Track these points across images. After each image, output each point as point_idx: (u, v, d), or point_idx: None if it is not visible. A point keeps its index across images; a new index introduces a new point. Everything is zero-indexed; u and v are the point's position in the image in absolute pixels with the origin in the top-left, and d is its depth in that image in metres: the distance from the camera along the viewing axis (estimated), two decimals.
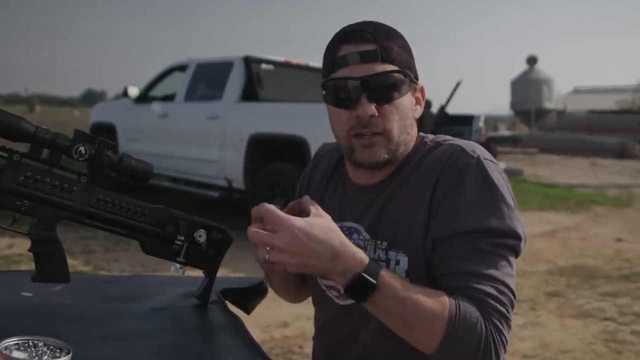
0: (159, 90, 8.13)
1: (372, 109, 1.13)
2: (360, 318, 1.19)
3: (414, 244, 1.14)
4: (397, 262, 1.15)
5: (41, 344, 0.96)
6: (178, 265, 1.27)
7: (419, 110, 1.22)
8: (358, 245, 1.09)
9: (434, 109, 8.28)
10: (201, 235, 1.27)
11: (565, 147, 19.17)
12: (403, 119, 1.17)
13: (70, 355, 0.93)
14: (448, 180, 1.12)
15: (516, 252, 1.11)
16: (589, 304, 4.68)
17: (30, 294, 1.28)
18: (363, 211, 1.23)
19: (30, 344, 0.95)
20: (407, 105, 1.17)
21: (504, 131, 26.65)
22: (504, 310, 1.05)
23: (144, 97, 8.04)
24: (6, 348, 0.92)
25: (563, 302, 4.71)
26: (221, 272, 1.32)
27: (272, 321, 3.84)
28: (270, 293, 1.49)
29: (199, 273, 1.33)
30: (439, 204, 1.11)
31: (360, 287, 0.99)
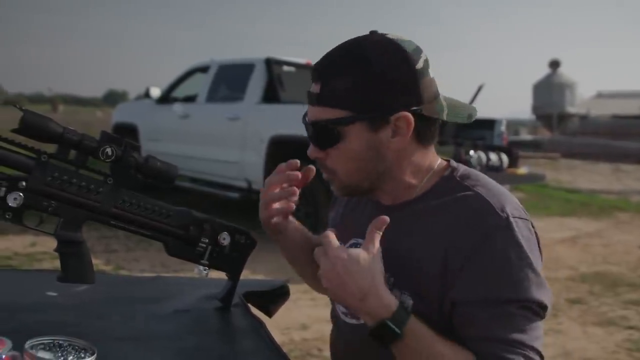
0: (181, 91, 8.19)
1: (315, 152, 1.14)
2: (366, 342, 1.12)
3: (422, 291, 1.09)
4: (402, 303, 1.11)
5: (66, 344, 0.96)
6: (202, 267, 1.27)
7: (398, 141, 1.10)
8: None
9: None
10: (225, 238, 1.27)
11: (588, 152, 18.95)
12: (352, 161, 1.11)
13: (94, 356, 0.94)
14: (471, 240, 1.05)
15: (542, 317, 1.07)
16: (612, 311, 4.61)
17: (55, 294, 1.29)
18: None
19: (56, 344, 0.96)
20: (355, 149, 1.09)
21: (525, 135, 26.38)
22: None
23: (166, 98, 8.10)
24: (32, 347, 0.92)
25: (585, 310, 4.64)
26: (242, 274, 1.32)
27: (291, 323, 3.84)
28: (290, 295, 1.49)
29: (221, 275, 1.33)
30: (461, 265, 1.05)
31: (384, 334, 0.99)
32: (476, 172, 1.17)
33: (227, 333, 1.10)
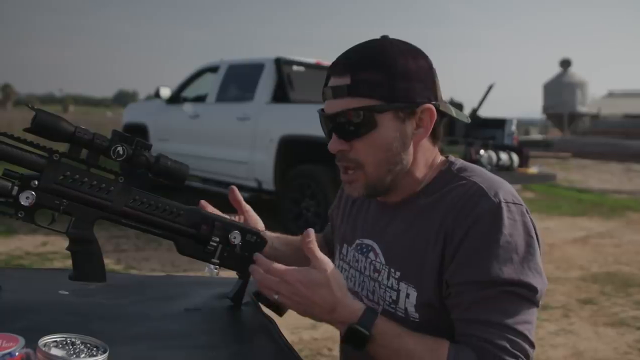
0: (191, 91, 8.21)
1: (339, 144, 1.16)
2: None
3: (425, 282, 1.13)
4: (407, 296, 1.15)
5: (79, 342, 0.96)
6: (212, 266, 1.27)
7: (422, 133, 1.16)
8: (373, 267, 1.20)
9: (466, 112, 8.21)
10: (236, 237, 1.27)
11: (599, 151, 18.83)
12: (382, 151, 1.14)
13: (107, 354, 0.94)
14: (463, 226, 1.08)
15: (533, 302, 1.07)
16: (624, 312, 4.58)
17: (66, 292, 1.29)
18: (382, 230, 1.24)
19: (68, 341, 0.96)
20: (385, 138, 1.13)
21: (535, 135, 26.27)
22: (511, 359, 1.02)
23: (176, 98, 8.13)
24: (45, 345, 0.93)
25: (597, 310, 4.62)
26: None
27: (300, 323, 3.83)
28: None
29: (232, 274, 1.33)
30: (455, 250, 1.09)
31: (355, 338, 1.03)
32: (473, 165, 1.21)
33: (238, 332, 1.10)
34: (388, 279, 1.19)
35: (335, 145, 1.16)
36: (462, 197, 1.11)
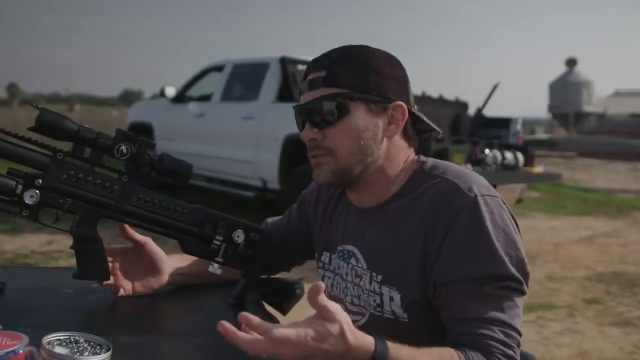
0: (196, 91, 8.22)
1: (311, 133, 1.19)
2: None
3: (407, 284, 1.14)
4: (391, 299, 1.16)
5: (82, 340, 0.97)
6: (216, 265, 1.27)
7: (393, 129, 1.20)
8: (355, 272, 1.20)
9: (471, 111, 8.19)
10: (239, 236, 1.27)
11: (605, 150, 18.76)
12: (353, 139, 1.17)
13: (110, 352, 0.94)
14: (443, 224, 1.11)
15: (521, 292, 1.10)
16: (630, 312, 4.56)
17: (70, 291, 1.30)
18: (360, 235, 1.25)
19: (72, 339, 0.96)
20: (357, 126, 1.16)
21: (541, 134, 26.20)
22: (511, 352, 1.05)
23: (181, 97, 8.13)
24: (49, 343, 0.93)
25: (602, 310, 4.60)
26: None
27: None
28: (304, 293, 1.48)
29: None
30: (438, 249, 1.11)
31: None
32: (444, 162, 1.23)
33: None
34: (370, 283, 1.20)
35: (308, 133, 1.19)
36: (437, 196, 1.13)
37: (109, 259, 1.27)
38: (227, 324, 0.90)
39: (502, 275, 1.07)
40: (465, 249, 1.08)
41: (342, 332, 0.93)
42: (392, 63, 1.21)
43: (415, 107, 1.23)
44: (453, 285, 1.08)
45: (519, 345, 1.07)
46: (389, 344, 0.98)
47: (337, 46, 1.23)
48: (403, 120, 1.20)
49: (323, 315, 0.92)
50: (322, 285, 0.93)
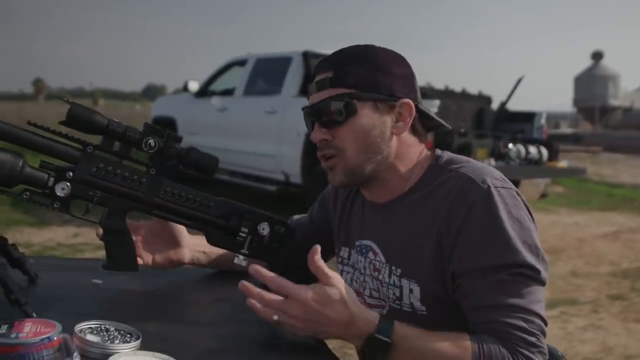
0: (219, 85, 8.27)
1: (321, 133, 1.20)
2: None
3: (425, 276, 1.16)
4: (411, 291, 1.18)
5: (112, 328, 0.99)
6: (241, 257, 1.29)
7: (401, 127, 1.21)
8: (373, 266, 1.23)
9: (495, 105, 8.13)
10: (264, 228, 1.29)
11: (631, 145, 18.48)
12: (361, 138, 1.19)
13: (140, 340, 0.96)
14: (458, 217, 1.12)
15: (539, 281, 1.10)
16: None
17: (100, 281, 1.32)
18: (377, 230, 1.27)
19: (103, 328, 0.99)
20: (365, 125, 1.18)
21: (565, 129, 25.88)
22: (533, 339, 1.05)
23: (204, 92, 8.19)
24: (81, 331, 0.96)
25: (627, 306, 4.55)
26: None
27: None
28: None
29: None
30: (453, 241, 1.12)
31: (376, 347, 1.01)
32: (460, 157, 1.24)
33: (269, 323, 1.12)
34: (390, 276, 1.22)
35: (317, 134, 1.21)
36: (452, 189, 1.15)
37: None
38: (247, 283, 1.00)
39: (517, 263, 1.07)
40: (481, 239, 1.09)
41: (342, 299, 0.98)
42: (398, 61, 1.22)
43: (422, 103, 1.25)
44: (470, 276, 1.09)
45: (543, 332, 1.07)
46: (396, 321, 1.02)
47: (381, 40, 1.25)
48: (410, 117, 1.21)
49: (322, 279, 0.99)
50: (319, 247, 1.01)
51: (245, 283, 1.00)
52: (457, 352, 1.02)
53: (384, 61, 1.20)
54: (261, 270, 1.00)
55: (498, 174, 1.17)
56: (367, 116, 1.18)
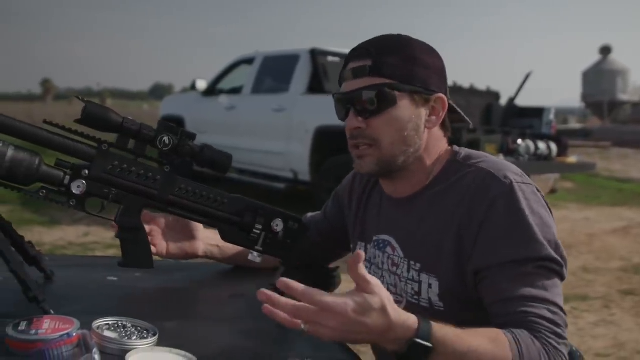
0: (226, 83, 8.27)
1: (356, 121, 1.19)
2: None
3: (444, 271, 1.16)
4: (430, 286, 1.18)
5: (129, 325, 1.00)
6: (255, 253, 1.30)
7: (434, 121, 1.22)
8: (391, 261, 1.22)
9: (503, 101, 8.11)
10: (278, 225, 1.29)
11: None
12: (397, 130, 1.18)
13: (156, 336, 0.97)
14: (479, 212, 1.12)
15: (561, 276, 1.11)
16: None
17: (115, 279, 1.33)
18: (395, 224, 1.27)
19: (120, 324, 1.00)
20: (402, 117, 1.18)
21: (574, 124, 25.75)
22: (559, 331, 1.05)
23: (212, 90, 8.20)
24: (98, 327, 0.97)
25: (639, 301, 4.53)
26: None
27: None
28: (342, 283, 1.50)
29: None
30: (475, 236, 1.12)
31: (417, 353, 0.93)
32: (478, 152, 1.24)
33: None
34: (409, 271, 1.22)
35: (352, 122, 1.20)
36: (472, 184, 1.15)
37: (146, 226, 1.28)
38: (268, 291, 0.89)
39: (542, 256, 1.08)
40: (504, 233, 1.09)
41: (383, 307, 0.90)
42: (433, 54, 1.22)
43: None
44: (494, 269, 1.09)
45: (566, 325, 1.07)
46: (433, 322, 0.95)
47: (379, 34, 1.24)
48: (443, 112, 1.22)
49: (362, 287, 0.91)
50: (363, 254, 0.92)
51: (265, 292, 0.90)
52: (496, 349, 0.98)
53: (422, 53, 1.20)
54: (291, 284, 0.90)
55: (517, 169, 1.18)
56: (405, 108, 1.18)
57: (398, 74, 1.17)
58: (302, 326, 0.89)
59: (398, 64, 1.17)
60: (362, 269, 0.91)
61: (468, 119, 1.29)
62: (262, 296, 0.90)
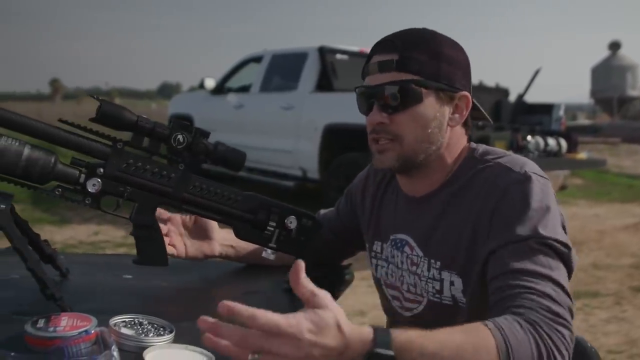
0: (235, 82, 8.29)
1: (380, 116, 1.17)
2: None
3: (464, 267, 1.15)
4: (452, 283, 1.17)
5: (146, 322, 1.01)
6: (269, 251, 1.30)
7: (457, 119, 1.21)
8: (410, 261, 1.21)
9: (512, 98, 8.08)
10: (292, 222, 1.30)
11: None
12: (421, 127, 1.17)
13: (173, 333, 0.98)
14: (494, 200, 1.11)
15: (566, 263, 1.05)
16: None
17: (130, 276, 1.34)
18: (413, 223, 1.25)
19: (137, 322, 1.00)
20: (426, 114, 1.17)
21: (583, 120, 25.60)
22: (559, 310, 0.95)
23: (220, 89, 8.22)
24: (115, 325, 0.97)
25: None
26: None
27: (348, 310, 3.85)
28: (355, 280, 1.51)
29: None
30: (489, 224, 1.10)
31: None
32: (495, 149, 1.23)
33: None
34: (429, 270, 1.20)
35: (376, 117, 1.18)
36: (489, 178, 1.15)
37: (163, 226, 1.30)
38: (209, 318, 0.79)
39: (548, 235, 1.04)
40: (514, 215, 1.07)
41: (337, 322, 0.80)
42: (458, 49, 1.21)
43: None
44: (499, 250, 1.06)
45: (569, 308, 0.97)
46: (392, 329, 0.85)
47: (402, 29, 1.22)
48: (467, 110, 1.21)
49: (312, 302, 0.80)
50: (302, 263, 0.82)
51: (206, 319, 0.79)
52: (476, 338, 0.88)
53: (448, 50, 1.18)
54: (235, 307, 0.78)
55: (535, 165, 1.16)
56: (430, 105, 1.17)
57: (424, 70, 1.15)
58: (250, 357, 0.77)
59: (425, 60, 1.15)
60: (308, 281, 0.81)
61: (489, 118, 1.29)
62: (203, 324, 0.78)
